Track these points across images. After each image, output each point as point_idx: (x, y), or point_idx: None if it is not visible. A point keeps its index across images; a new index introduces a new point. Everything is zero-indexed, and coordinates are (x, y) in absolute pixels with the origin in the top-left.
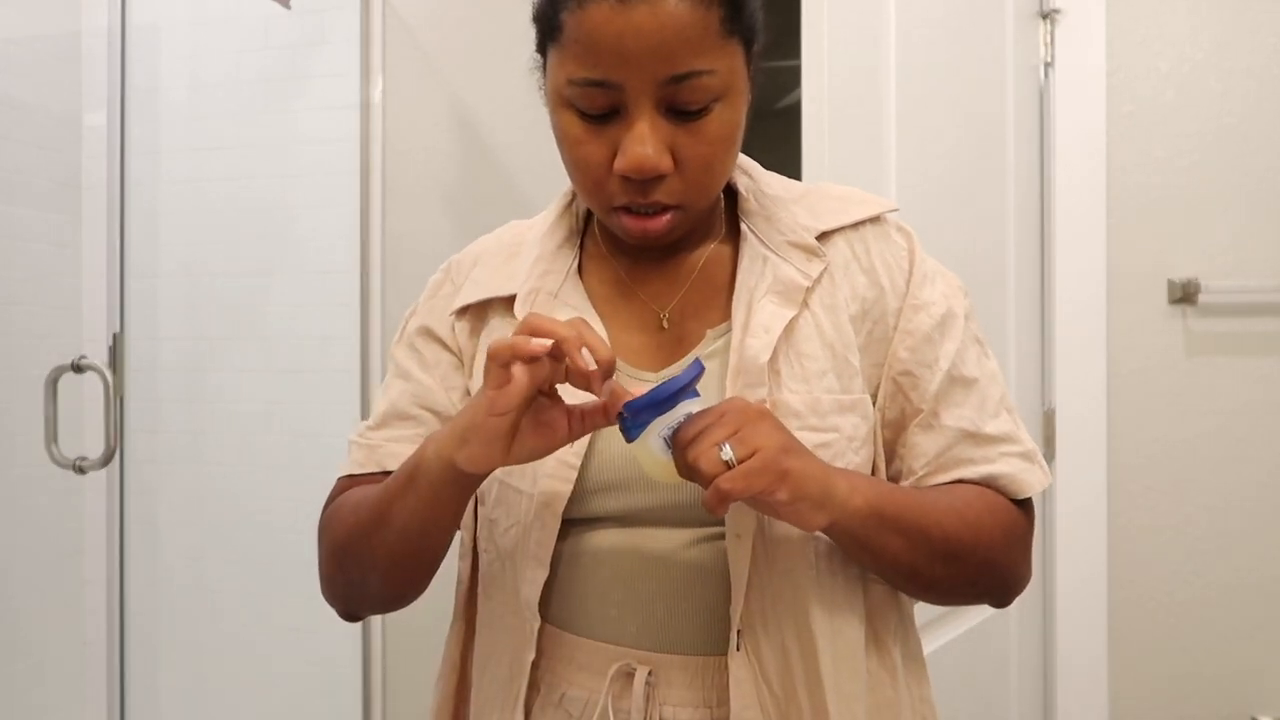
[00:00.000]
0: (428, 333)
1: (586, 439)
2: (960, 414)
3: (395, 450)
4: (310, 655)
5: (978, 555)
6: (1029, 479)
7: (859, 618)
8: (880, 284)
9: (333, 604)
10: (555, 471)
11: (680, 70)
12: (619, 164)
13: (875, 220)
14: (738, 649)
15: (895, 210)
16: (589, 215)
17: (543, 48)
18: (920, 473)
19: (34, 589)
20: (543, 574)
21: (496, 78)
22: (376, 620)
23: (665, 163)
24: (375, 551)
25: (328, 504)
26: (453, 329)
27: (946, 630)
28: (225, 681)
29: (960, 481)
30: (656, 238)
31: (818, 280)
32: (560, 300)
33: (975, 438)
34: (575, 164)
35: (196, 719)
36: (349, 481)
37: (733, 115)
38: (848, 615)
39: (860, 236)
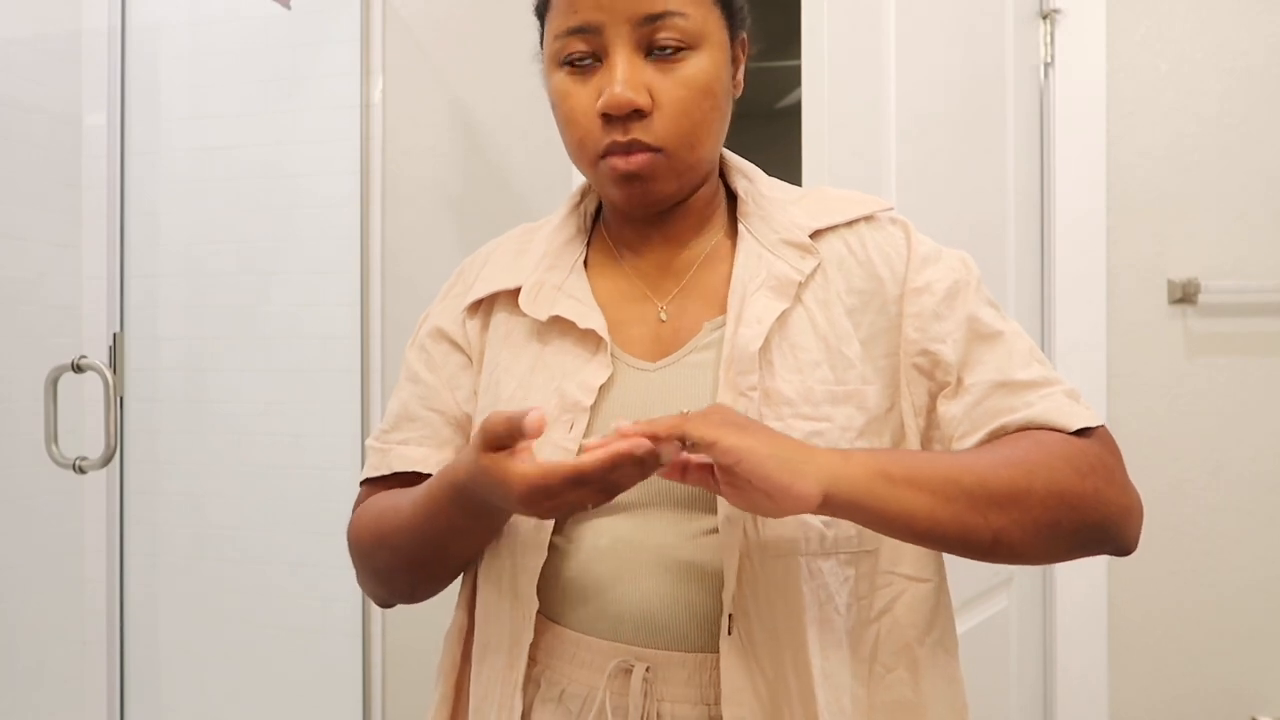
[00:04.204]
0: (439, 333)
1: (584, 425)
2: (987, 368)
3: (404, 453)
4: (310, 655)
5: (1037, 490)
6: (1077, 412)
7: (851, 608)
8: (878, 274)
9: (368, 595)
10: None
11: (654, 9)
12: (599, 103)
13: (870, 219)
14: (729, 633)
15: (890, 209)
16: (596, 215)
17: (541, 33)
18: (954, 439)
19: (34, 589)
20: (539, 559)
21: (496, 78)
22: (376, 620)
23: (642, 98)
24: (406, 562)
25: (354, 510)
26: (464, 326)
27: None
28: (225, 681)
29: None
30: (640, 181)
31: (811, 276)
32: (564, 292)
33: (1008, 386)
34: (566, 119)
35: (196, 718)
36: (367, 487)
37: (709, 66)
38: (837, 605)
39: (855, 232)
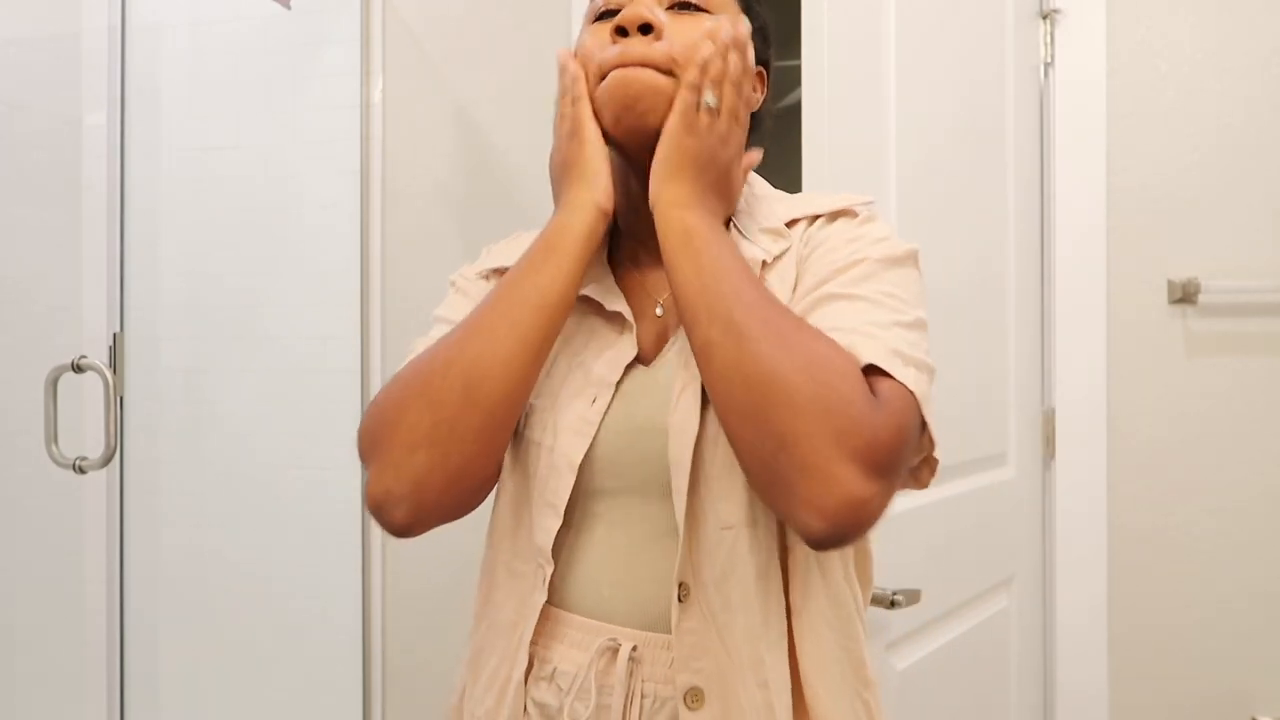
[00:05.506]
0: (472, 277)
1: (606, 400)
2: (824, 318)
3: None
4: (310, 655)
5: (764, 347)
6: (880, 354)
7: (794, 578)
8: (815, 252)
9: (395, 501)
10: (575, 427)
11: None
12: (614, 21)
13: (847, 213)
14: (679, 600)
15: (869, 203)
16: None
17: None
18: None
19: (34, 589)
20: (556, 522)
21: (496, 78)
22: (376, 621)
23: (655, 19)
24: (499, 338)
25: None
26: (488, 283)
27: (947, 630)
28: (225, 681)
29: None
30: (636, 98)
31: (778, 258)
32: (590, 276)
33: (835, 332)
34: (581, 58)
35: (196, 719)
36: None
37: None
38: (784, 575)
39: (830, 222)
